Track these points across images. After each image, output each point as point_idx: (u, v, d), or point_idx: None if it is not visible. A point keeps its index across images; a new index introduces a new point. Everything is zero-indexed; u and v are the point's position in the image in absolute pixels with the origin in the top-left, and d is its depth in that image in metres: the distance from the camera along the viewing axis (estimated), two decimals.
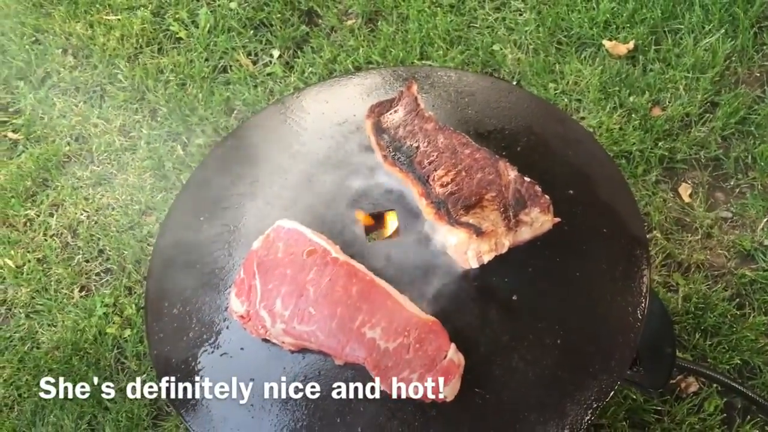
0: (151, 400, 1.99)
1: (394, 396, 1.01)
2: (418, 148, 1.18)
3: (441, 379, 0.99)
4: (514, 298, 1.10)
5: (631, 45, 2.47)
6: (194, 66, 2.70)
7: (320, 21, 2.79)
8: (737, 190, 2.19)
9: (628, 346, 1.06)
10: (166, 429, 1.95)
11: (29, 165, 2.52)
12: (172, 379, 1.12)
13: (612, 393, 1.04)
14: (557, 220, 1.12)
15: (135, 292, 2.21)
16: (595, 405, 1.02)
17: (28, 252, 2.34)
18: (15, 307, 2.23)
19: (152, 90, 2.67)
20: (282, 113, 1.41)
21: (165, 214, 1.33)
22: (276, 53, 2.71)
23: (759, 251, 2.04)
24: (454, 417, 1.02)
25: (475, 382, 1.03)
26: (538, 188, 1.11)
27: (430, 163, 1.15)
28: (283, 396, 1.06)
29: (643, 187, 2.18)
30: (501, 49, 2.55)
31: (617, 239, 1.16)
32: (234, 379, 1.09)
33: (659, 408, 1.82)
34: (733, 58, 2.42)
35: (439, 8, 2.68)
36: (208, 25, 2.80)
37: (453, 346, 1.01)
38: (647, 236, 1.16)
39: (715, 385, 1.82)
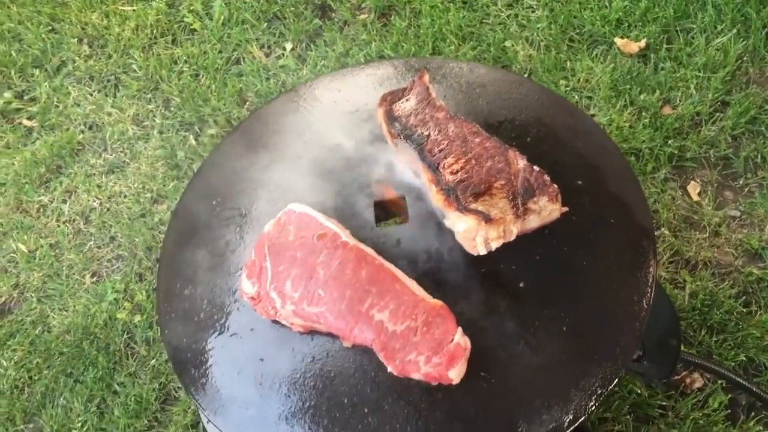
0: (159, 383, 2.02)
1: (401, 378, 1.03)
2: (428, 136, 1.19)
3: (447, 362, 1.01)
4: (521, 285, 1.11)
5: (642, 43, 2.48)
6: (208, 57, 2.72)
7: (333, 15, 2.81)
8: (746, 189, 2.19)
9: (633, 335, 1.08)
10: (174, 413, 1.97)
11: (43, 152, 2.55)
12: (184, 358, 1.14)
13: (616, 380, 1.05)
14: (565, 209, 1.13)
15: (146, 279, 2.23)
16: (600, 392, 1.03)
17: (41, 237, 2.37)
18: (27, 291, 2.26)
19: (166, 80, 2.69)
20: (295, 101, 1.42)
21: (178, 198, 1.34)
22: (289, 46, 2.73)
23: (766, 250, 2.04)
24: (459, 400, 1.03)
25: (481, 367, 1.04)
26: (546, 177, 1.12)
27: (440, 151, 1.16)
28: (292, 377, 1.08)
29: (651, 185, 2.19)
30: (513, 45, 2.56)
31: (624, 230, 1.17)
32: (243, 359, 1.11)
33: (663, 403, 1.83)
34: (745, 58, 2.43)
35: (451, 4, 2.70)
36: (222, 17, 2.82)
37: (460, 329, 1.03)
38: (655, 232, 1.17)
39: (720, 382, 1.83)
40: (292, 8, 2.80)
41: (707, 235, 2.10)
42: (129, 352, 2.11)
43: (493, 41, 2.56)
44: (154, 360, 2.07)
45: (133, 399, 2.00)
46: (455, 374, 1.01)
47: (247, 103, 2.60)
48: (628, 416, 1.81)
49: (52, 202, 2.45)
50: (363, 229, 1.19)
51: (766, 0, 2.50)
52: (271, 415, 1.06)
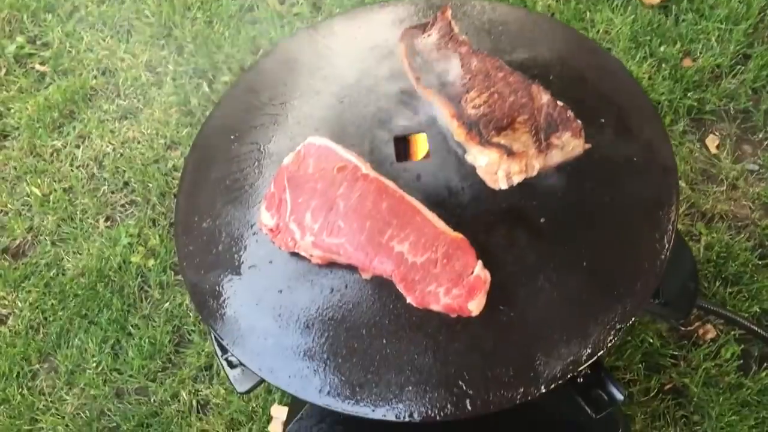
0: (173, 326, 2.03)
1: (420, 309, 1.03)
2: (451, 70, 1.17)
3: (467, 294, 1.00)
4: (542, 220, 1.10)
5: None
6: (221, 4, 2.70)
7: None
8: (765, 142, 2.17)
9: (653, 272, 1.07)
10: (187, 355, 1.99)
11: (56, 97, 2.54)
12: (202, 290, 1.15)
13: (635, 317, 1.05)
14: (588, 145, 1.12)
15: (159, 224, 2.24)
16: (618, 326, 1.02)
17: (55, 181, 2.37)
18: (41, 235, 2.27)
19: (179, 26, 2.67)
20: (314, 37, 1.40)
21: (197, 132, 1.33)
22: None
23: None
24: (478, 333, 1.03)
25: (501, 300, 1.04)
26: (570, 113, 1.11)
27: (462, 86, 1.15)
28: (310, 308, 1.08)
29: (670, 137, 2.16)
30: None
31: (647, 168, 1.16)
32: (262, 291, 1.12)
33: (676, 353, 1.83)
34: None
35: None
36: None
37: (480, 262, 1.02)
38: (677, 173, 1.15)
39: (732, 332, 1.83)
40: None
41: (724, 188, 2.09)
42: (143, 296, 2.12)
43: None
44: (167, 303, 2.08)
45: (147, 341, 2.02)
46: (475, 306, 1.01)
47: (261, 50, 2.58)
48: (640, 365, 1.82)
49: (65, 147, 2.45)
50: (383, 165, 1.18)
51: None
52: (290, 345, 1.07)
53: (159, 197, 2.29)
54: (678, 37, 2.35)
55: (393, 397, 1.00)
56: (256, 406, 1.90)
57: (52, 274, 2.19)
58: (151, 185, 2.30)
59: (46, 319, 2.11)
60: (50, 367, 2.06)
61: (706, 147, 2.17)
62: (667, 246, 1.09)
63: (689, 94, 2.23)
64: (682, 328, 1.85)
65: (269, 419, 1.87)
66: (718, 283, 1.90)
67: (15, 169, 2.41)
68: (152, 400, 1.95)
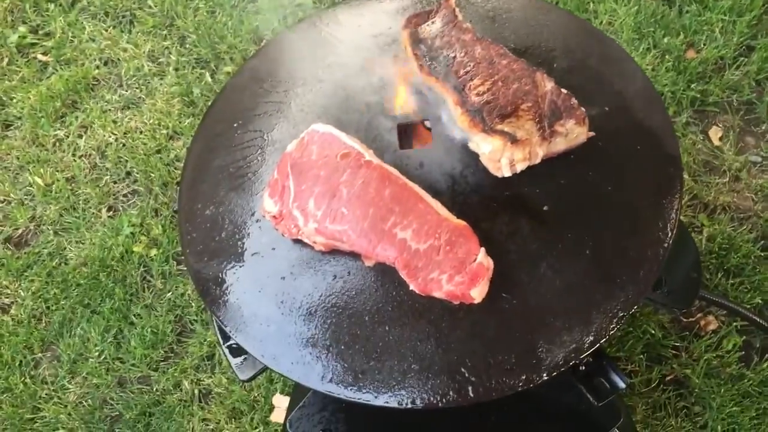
0: (175, 316, 2.04)
1: (423, 296, 1.03)
2: (454, 58, 1.17)
3: (470, 281, 1.00)
4: (546, 208, 1.10)
5: None
6: None
7: None
8: None
9: (656, 260, 1.06)
10: (189, 345, 1.99)
11: (59, 86, 2.54)
12: (205, 277, 1.15)
13: (637, 305, 1.04)
14: (592, 133, 1.12)
15: (162, 214, 2.24)
16: (621, 314, 1.02)
17: (57, 171, 2.37)
18: (44, 224, 2.27)
19: (181, 16, 2.66)
20: (317, 25, 1.40)
21: (200, 121, 1.33)
22: None
23: None
24: (481, 320, 1.03)
25: (503, 288, 1.04)
26: (574, 100, 1.11)
27: (466, 73, 1.14)
28: (313, 294, 1.08)
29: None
30: None
31: (651, 156, 1.15)
32: (265, 278, 1.12)
33: (677, 344, 1.83)
34: None
35: None
36: None
37: (483, 250, 1.02)
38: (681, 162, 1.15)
39: (734, 324, 1.83)
40: None
41: (727, 179, 2.08)
42: (145, 285, 2.13)
43: None
44: (170, 293, 2.09)
45: (149, 330, 2.02)
46: (477, 293, 1.01)
47: (264, 41, 2.57)
48: (641, 356, 1.82)
49: (68, 137, 2.45)
50: (386, 152, 1.18)
51: None
52: (292, 332, 1.07)
53: (161, 187, 2.29)
54: (681, 29, 2.34)
55: (395, 384, 1.00)
56: (258, 395, 1.90)
57: (54, 263, 2.19)
58: (153, 175, 2.30)
59: (48, 308, 2.12)
60: (53, 356, 2.07)
61: (709, 138, 2.17)
62: (670, 234, 1.08)
63: (692, 86, 2.23)
64: (684, 320, 1.85)
65: (271, 408, 1.88)
66: (720, 275, 1.89)
67: (18, 158, 2.41)
68: (154, 389, 1.96)
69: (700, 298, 1.54)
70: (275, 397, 1.88)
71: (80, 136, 2.44)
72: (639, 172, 1.14)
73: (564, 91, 1.11)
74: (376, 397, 1.00)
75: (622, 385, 1.07)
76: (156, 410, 1.93)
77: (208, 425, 1.90)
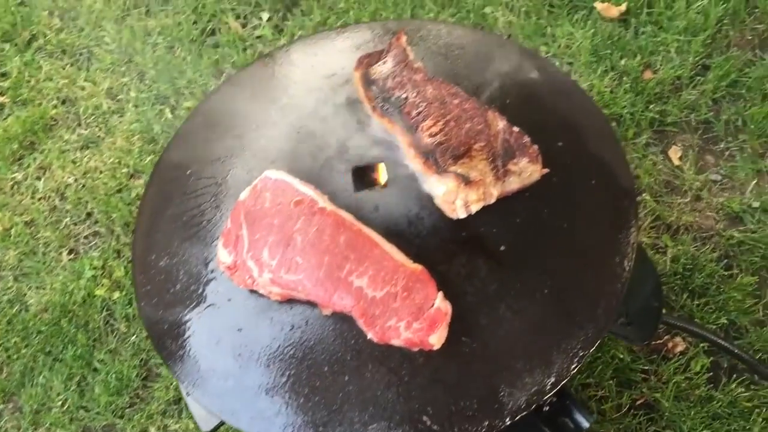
0: (140, 360, 2.00)
1: (382, 344, 1.01)
2: (406, 98, 1.16)
3: (428, 328, 0.99)
4: (502, 248, 1.09)
5: (623, 7, 2.46)
6: (182, 29, 2.67)
7: None
8: (727, 152, 2.18)
9: (614, 296, 1.06)
10: (156, 389, 1.95)
11: (16, 128, 2.49)
12: (160, 330, 1.12)
13: (598, 342, 1.04)
14: (546, 170, 1.12)
15: (124, 255, 2.20)
16: (581, 353, 1.02)
17: (16, 215, 2.32)
18: (3, 270, 2.22)
19: (140, 53, 2.64)
20: (270, 66, 1.39)
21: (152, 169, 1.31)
22: (265, 16, 2.68)
23: (747, 213, 2.04)
24: (441, 365, 1.02)
25: (463, 331, 1.03)
26: (526, 138, 1.11)
27: (418, 114, 1.14)
28: (271, 346, 1.06)
29: (633, 150, 2.18)
30: (492, 11, 2.53)
31: (605, 190, 1.16)
32: (221, 330, 1.09)
33: (646, 367, 1.83)
34: (725, 21, 2.41)
35: None
36: None
37: (440, 294, 1.01)
38: (636, 194, 1.15)
39: (701, 345, 1.83)
40: None
41: (688, 199, 2.10)
42: (109, 329, 2.08)
43: (473, 7, 2.53)
44: (134, 336, 2.05)
45: (113, 376, 1.97)
46: (436, 339, 1.00)
47: (224, 74, 2.56)
48: (611, 381, 1.81)
49: (26, 179, 2.40)
50: (341, 195, 1.16)
51: None
52: (251, 386, 1.05)
53: (123, 227, 2.25)
54: (638, 50, 2.37)
55: None
56: None
57: (14, 310, 2.14)
58: (114, 215, 2.26)
59: (9, 357, 2.06)
60: (15, 407, 2.01)
61: (669, 159, 2.19)
62: (627, 269, 1.08)
63: (651, 107, 2.25)
64: (652, 342, 1.85)
65: None
66: (685, 296, 1.90)
67: None
68: None
69: (664, 323, 1.54)
70: None
71: (39, 178, 2.40)
72: (594, 206, 1.15)
73: (516, 129, 1.11)
74: None
75: (586, 424, 1.06)
76: None
77: None
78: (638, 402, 1.79)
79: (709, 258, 1.97)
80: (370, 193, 1.18)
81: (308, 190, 1.11)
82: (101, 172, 2.38)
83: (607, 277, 1.08)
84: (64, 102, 2.59)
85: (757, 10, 2.44)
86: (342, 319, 1.06)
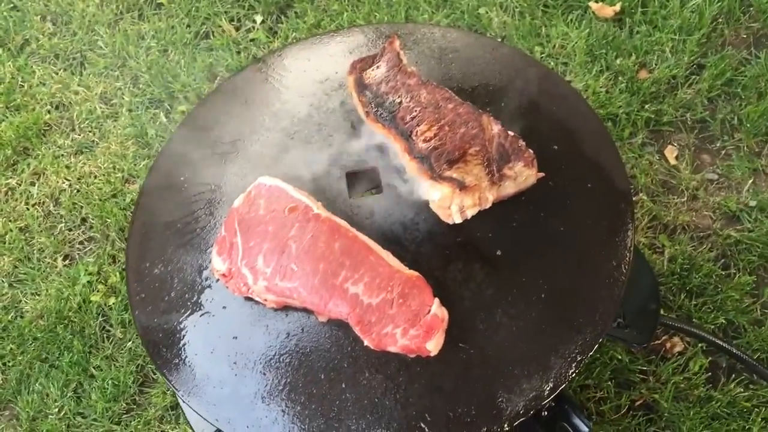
0: (137, 366, 1.99)
1: (378, 351, 1.01)
2: (400, 103, 1.16)
3: (425, 334, 0.98)
4: (498, 253, 1.09)
5: (617, 7, 2.45)
6: (176, 32, 2.66)
7: None
8: (723, 151, 2.18)
9: (612, 300, 1.06)
10: (153, 395, 1.94)
11: (9, 134, 2.48)
12: (155, 338, 1.11)
13: (596, 346, 1.03)
14: (541, 174, 1.11)
15: (119, 261, 2.19)
16: (579, 358, 1.01)
17: (10, 221, 2.31)
18: None
19: (133, 57, 2.62)
20: (263, 72, 1.38)
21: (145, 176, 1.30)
22: (259, 19, 2.67)
23: (744, 212, 2.04)
24: (438, 372, 1.01)
25: (459, 337, 1.03)
26: (522, 142, 1.10)
27: (412, 119, 1.13)
28: (267, 354, 1.06)
29: (629, 150, 2.18)
30: (487, 12, 2.52)
31: (601, 194, 1.15)
32: (216, 338, 1.09)
33: (645, 368, 1.83)
34: (720, 20, 2.41)
35: None
36: None
37: (437, 300, 1.01)
38: (633, 197, 1.15)
39: (700, 345, 1.83)
40: None
41: (685, 199, 2.10)
42: (105, 335, 2.07)
43: (467, 8, 2.52)
44: (130, 342, 2.03)
45: (110, 382, 1.96)
46: (433, 346, 0.99)
47: (218, 78, 2.55)
48: (610, 382, 1.81)
49: (20, 185, 2.39)
50: (336, 201, 1.16)
51: None
52: (247, 394, 1.04)
53: (118, 232, 2.24)
54: (633, 49, 2.36)
55: None
56: None
57: (10, 317, 2.12)
58: (109, 221, 2.25)
59: (5, 364, 2.05)
60: (11, 414, 2.00)
61: (665, 158, 2.18)
62: (624, 273, 1.08)
63: (647, 106, 2.24)
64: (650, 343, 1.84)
65: None
66: (683, 296, 1.90)
67: None
68: None
69: (662, 324, 1.54)
70: None
71: (33, 184, 2.38)
72: (590, 209, 1.14)
73: (511, 133, 1.11)
74: None
75: (584, 429, 1.06)
76: None
77: None
78: (637, 403, 1.79)
79: (707, 258, 1.96)
80: (365, 198, 1.18)
81: (302, 197, 1.10)
82: (96, 177, 2.36)
83: (605, 281, 1.07)
84: (57, 107, 2.57)
85: (751, 9, 2.44)
86: (338, 326, 1.05)
